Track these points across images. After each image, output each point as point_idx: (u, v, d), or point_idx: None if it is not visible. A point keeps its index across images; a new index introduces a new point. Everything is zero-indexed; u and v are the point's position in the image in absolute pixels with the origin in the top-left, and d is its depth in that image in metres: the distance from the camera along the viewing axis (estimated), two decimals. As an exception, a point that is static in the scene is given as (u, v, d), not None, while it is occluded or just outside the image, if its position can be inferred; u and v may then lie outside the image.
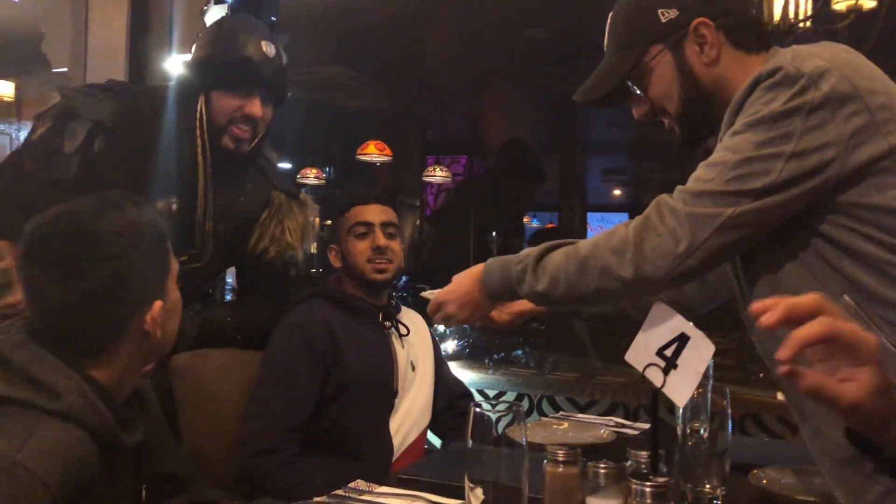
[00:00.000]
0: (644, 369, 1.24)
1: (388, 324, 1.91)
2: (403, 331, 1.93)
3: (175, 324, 1.16)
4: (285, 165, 15.14)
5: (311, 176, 9.13)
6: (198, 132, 1.71)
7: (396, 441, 1.80)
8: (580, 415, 2.24)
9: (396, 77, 7.75)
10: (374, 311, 1.90)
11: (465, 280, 1.35)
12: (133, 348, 1.08)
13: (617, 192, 18.09)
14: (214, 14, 2.75)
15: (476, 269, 1.34)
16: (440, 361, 2.06)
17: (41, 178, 1.66)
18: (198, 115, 1.71)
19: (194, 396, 1.77)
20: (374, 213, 1.90)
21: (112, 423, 1.02)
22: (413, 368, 1.92)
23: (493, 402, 1.07)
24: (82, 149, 1.68)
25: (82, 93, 1.74)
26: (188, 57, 1.89)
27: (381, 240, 1.86)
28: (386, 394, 1.84)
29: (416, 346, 1.96)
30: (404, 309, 2.03)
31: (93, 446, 0.98)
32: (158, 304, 1.09)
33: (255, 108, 1.71)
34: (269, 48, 1.75)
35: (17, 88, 6.39)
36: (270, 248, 1.90)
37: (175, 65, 2.81)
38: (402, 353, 1.90)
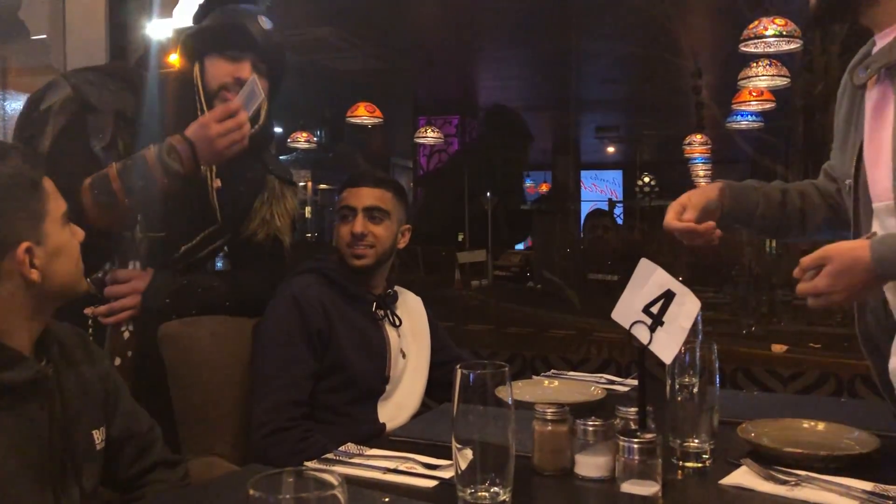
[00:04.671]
0: (630, 327, 1.24)
1: (380, 313, 1.90)
2: (397, 321, 1.92)
3: (65, 266, 1.18)
4: (276, 130, 15.02)
5: (301, 140, 9.07)
6: (197, 99, 1.69)
7: (390, 430, 1.81)
8: (571, 373, 2.25)
9: (386, 37, 7.65)
10: (369, 299, 1.89)
11: (849, 271, 1.23)
12: (10, 292, 1.12)
13: (610, 149, 18.00)
14: (194, -24, 2.69)
15: (859, 258, 1.22)
16: (441, 347, 2.03)
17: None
18: (195, 84, 1.70)
19: (185, 365, 1.76)
20: (359, 196, 1.88)
21: None
22: (403, 356, 1.92)
23: (483, 363, 1.07)
24: (112, 145, 1.65)
25: (91, 82, 1.67)
26: (168, 22, 1.86)
27: (359, 225, 1.84)
28: (378, 380, 1.85)
29: (407, 335, 1.95)
30: (404, 295, 2.01)
31: None
32: (24, 245, 1.12)
33: (245, 71, 1.69)
34: (264, 22, 1.75)
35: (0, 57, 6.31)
36: (259, 231, 1.90)
37: (155, 31, 2.76)
38: (394, 341, 1.90)
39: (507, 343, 3.75)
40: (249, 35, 1.72)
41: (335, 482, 0.63)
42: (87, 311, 1.68)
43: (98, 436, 1.25)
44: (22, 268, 1.12)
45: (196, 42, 1.75)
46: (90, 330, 1.68)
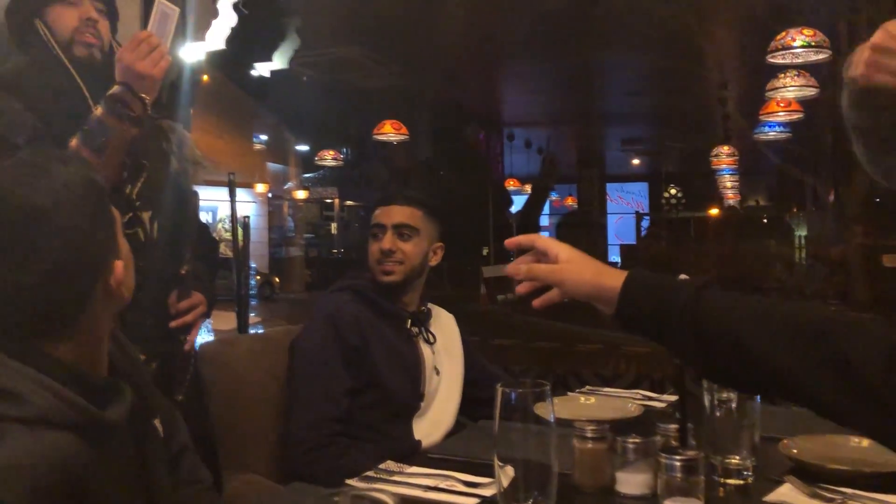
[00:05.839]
0: (670, 344, 1.23)
1: (415, 330, 1.91)
2: (431, 338, 1.93)
3: (132, 273, 1.06)
4: (303, 148, 15.20)
5: (328, 157, 9.15)
6: (55, 51, 1.66)
7: (425, 446, 1.82)
8: (606, 389, 2.24)
9: (410, 55, 7.72)
10: (403, 316, 1.90)
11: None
12: (99, 313, 1.00)
13: (636, 161, 17.94)
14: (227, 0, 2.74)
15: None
16: (473, 365, 2.03)
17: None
18: (45, 37, 1.66)
19: (224, 382, 1.79)
20: (389, 214, 1.91)
21: (90, 410, 0.92)
22: (437, 373, 1.93)
23: (520, 380, 1.07)
24: (36, 135, 1.61)
25: None
26: (201, 45, 1.86)
27: (387, 242, 1.87)
28: (413, 397, 1.85)
29: (441, 352, 1.96)
30: (437, 312, 2.03)
31: (73, 443, 0.89)
32: (119, 264, 1.01)
33: (91, 10, 1.68)
34: None
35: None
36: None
37: (189, 54, 2.81)
38: (428, 358, 1.91)
39: (535, 358, 3.74)
40: None
41: (390, 502, 0.64)
42: (187, 347, 1.71)
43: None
44: (119, 287, 1.01)
45: (28, 2, 1.70)
46: None
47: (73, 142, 1.51)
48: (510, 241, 1.11)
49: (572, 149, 14.45)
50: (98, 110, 1.53)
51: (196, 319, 1.73)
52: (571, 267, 1.02)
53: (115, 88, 1.54)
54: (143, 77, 1.55)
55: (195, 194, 1.87)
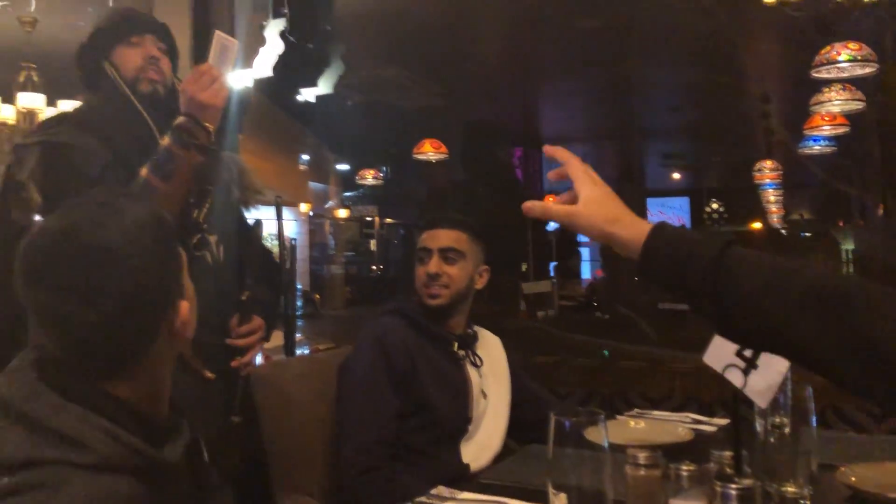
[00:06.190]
0: (723, 370, 1.23)
1: (461, 353, 1.92)
2: (478, 361, 1.94)
3: (195, 315, 1.05)
4: (344, 167, 15.37)
5: (369, 177, 9.24)
6: (122, 89, 1.73)
7: (474, 470, 1.82)
8: (655, 412, 2.22)
9: (449, 74, 7.78)
10: (450, 339, 1.92)
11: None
12: (163, 354, 1.00)
13: (676, 175, 17.75)
14: (274, 28, 2.81)
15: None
16: (520, 387, 2.03)
17: None
18: (112, 77, 1.75)
19: (275, 405, 1.82)
20: (435, 238, 1.93)
21: (150, 452, 0.93)
22: (484, 396, 1.93)
23: (572, 407, 1.07)
24: (111, 165, 1.68)
25: (58, 130, 1.72)
26: (248, 72, 1.92)
27: (433, 266, 1.89)
28: (460, 420, 1.86)
29: (488, 375, 1.97)
30: (483, 335, 2.04)
31: (132, 486, 0.90)
32: (185, 304, 1.00)
33: (153, 49, 1.77)
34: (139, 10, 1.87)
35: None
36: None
37: (237, 81, 2.88)
38: (475, 381, 1.92)
39: (577, 376, 3.71)
40: (142, 16, 1.84)
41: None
42: (235, 363, 1.75)
43: None
44: (184, 328, 1.00)
45: (96, 45, 1.79)
46: None
47: (143, 171, 1.57)
48: (549, 148, 1.08)
49: (612, 164, 14.36)
50: (165, 140, 1.59)
51: (255, 343, 1.77)
52: (585, 210, 0.99)
53: (181, 119, 1.61)
54: (206, 107, 1.61)
55: (258, 222, 1.93)
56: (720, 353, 1.23)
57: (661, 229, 0.95)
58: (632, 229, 0.95)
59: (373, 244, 18.50)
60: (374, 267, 18.77)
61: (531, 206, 1.04)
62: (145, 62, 1.75)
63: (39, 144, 1.64)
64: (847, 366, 0.81)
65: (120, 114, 1.72)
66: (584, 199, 0.99)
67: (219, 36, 1.67)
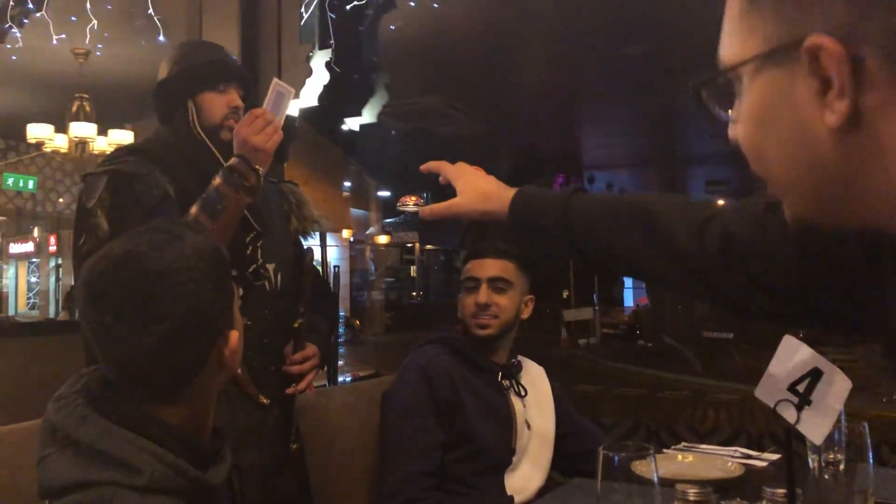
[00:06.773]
0: (776, 405, 1.20)
1: (506, 383, 1.91)
2: (522, 391, 1.93)
3: (241, 346, 1.07)
4: (385, 193, 15.51)
5: (410, 203, 9.30)
6: (196, 128, 1.77)
7: (518, 503, 1.80)
8: (703, 445, 2.17)
9: (491, 101, 7.82)
10: (495, 369, 1.91)
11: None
12: (210, 382, 1.03)
13: (720, 202, 17.53)
14: (320, 59, 2.86)
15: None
16: (565, 419, 2.01)
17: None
18: (191, 116, 1.78)
19: (320, 434, 1.83)
20: (483, 267, 1.93)
21: (197, 476, 0.96)
22: (528, 427, 1.92)
23: (612, 431, 1.06)
24: (166, 198, 1.72)
25: (124, 159, 1.77)
26: (295, 102, 1.94)
27: (482, 296, 1.88)
28: (505, 451, 1.85)
29: (532, 406, 1.95)
30: (527, 365, 2.03)
31: None
32: (234, 334, 1.03)
33: (237, 99, 1.80)
34: (229, 52, 1.90)
35: (135, 135, 6.81)
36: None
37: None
38: (520, 412, 1.91)
39: (620, 405, 3.66)
40: (234, 66, 1.87)
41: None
42: (290, 390, 1.76)
43: None
44: (232, 358, 1.03)
45: (183, 83, 1.81)
46: None
47: (193, 209, 1.61)
48: (425, 167, 1.24)
49: (655, 191, 14.26)
50: (217, 180, 1.63)
51: (309, 371, 1.78)
52: (461, 199, 1.14)
53: (232, 160, 1.65)
54: (258, 150, 1.64)
55: (309, 249, 1.96)
56: (772, 388, 1.20)
57: (522, 190, 1.11)
58: (502, 199, 1.10)
59: (413, 270, 18.57)
60: (414, 293, 18.83)
61: (423, 210, 1.21)
62: (229, 111, 1.79)
63: (107, 173, 1.69)
64: (656, 264, 0.99)
65: (189, 151, 1.76)
66: (460, 189, 1.15)
67: (276, 83, 1.71)
